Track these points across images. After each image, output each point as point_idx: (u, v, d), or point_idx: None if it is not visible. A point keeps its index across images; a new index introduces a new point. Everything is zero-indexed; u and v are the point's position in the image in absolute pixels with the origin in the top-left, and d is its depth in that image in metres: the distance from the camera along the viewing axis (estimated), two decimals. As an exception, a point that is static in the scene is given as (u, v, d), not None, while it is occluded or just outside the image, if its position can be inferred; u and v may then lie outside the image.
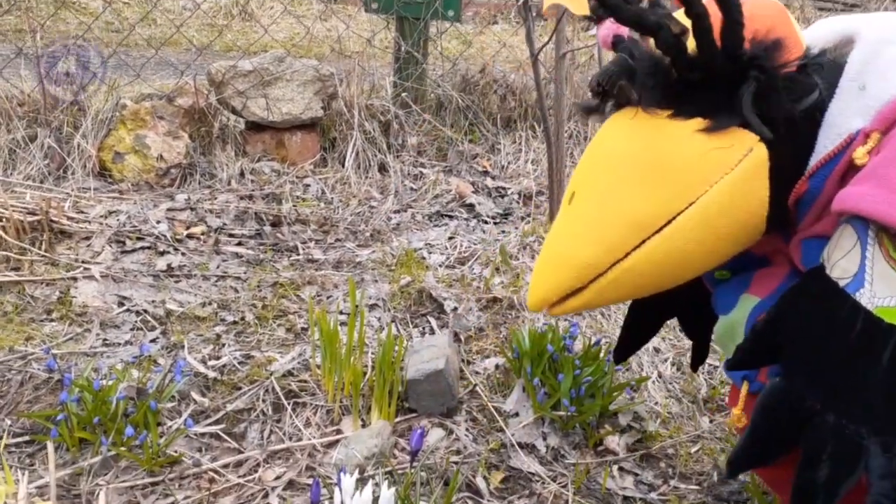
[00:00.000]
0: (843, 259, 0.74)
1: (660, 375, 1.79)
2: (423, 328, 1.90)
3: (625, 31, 0.93)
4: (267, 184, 2.61)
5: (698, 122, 0.76)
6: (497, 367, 1.75)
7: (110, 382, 1.50)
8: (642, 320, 1.16)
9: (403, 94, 2.90)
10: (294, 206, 2.48)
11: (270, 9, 5.85)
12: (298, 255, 2.22)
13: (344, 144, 2.83)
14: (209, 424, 1.52)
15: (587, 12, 0.72)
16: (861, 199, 0.70)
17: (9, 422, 1.45)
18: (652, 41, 0.77)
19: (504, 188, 2.77)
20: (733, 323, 0.92)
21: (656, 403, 1.71)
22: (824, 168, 0.78)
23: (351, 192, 2.66)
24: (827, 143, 0.78)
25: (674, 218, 0.77)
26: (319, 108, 2.78)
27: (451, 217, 2.53)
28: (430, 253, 2.27)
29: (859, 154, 0.74)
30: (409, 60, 2.93)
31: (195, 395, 1.58)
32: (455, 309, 1.94)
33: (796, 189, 0.81)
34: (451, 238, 2.37)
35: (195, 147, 2.65)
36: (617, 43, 0.93)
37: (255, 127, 2.77)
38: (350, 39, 3.56)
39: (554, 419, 1.59)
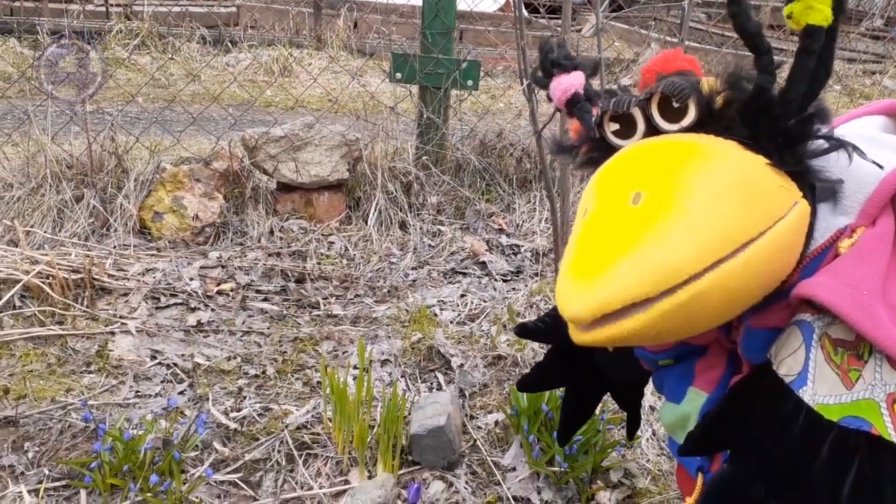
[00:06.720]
0: (789, 357, 0.79)
1: (654, 433, 1.88)
2: (431, 383, 2.02)
3: (580, 87, 0.93)
4: (294, 241, 2.78)
5: (763, 159, 0.78)
6: (497, 423, 1.86)
7: (140, 432, 1.65)
8: (580, 397, 1.22)
9: (424, 157, 3.07)
10: (318, 262, 2.64)
11: (309, 65, 6.14)
12: (319, 310, 2.36)
13: (368, 203, 3.00)
14: (228, 473, 1.66)
15: None
16: (818, 287, 0.76)
17: (49, 469, 1.61)
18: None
19: (518, 245, 2.90)
20: (686, 415, 0.97)
21: (648, 461, 1.80)
22: (816, 259, 0.81)
23: (372, 248, 2.81)
24: (817, 235, 0.81)
25: (750, 241, 0.74)
26: (345, 170, 2.96)
27: (464, 274, 2.67)
28: (443, 310, 2.40)
29: (844, 245, 0.79)
30: (431, 126, 3.10)
31: (217, 445, 1.72)
32: (461, 366, 2.06)
33: (787, 278, 0.81)
34: (462, 295, 2.50)
35: (229, 207, 2.84)
36: (573, 102, 0.93)
37: (285, 187, 2.95)
38: (382, 95, 3.76)
39: (548, 475, 1.69)
